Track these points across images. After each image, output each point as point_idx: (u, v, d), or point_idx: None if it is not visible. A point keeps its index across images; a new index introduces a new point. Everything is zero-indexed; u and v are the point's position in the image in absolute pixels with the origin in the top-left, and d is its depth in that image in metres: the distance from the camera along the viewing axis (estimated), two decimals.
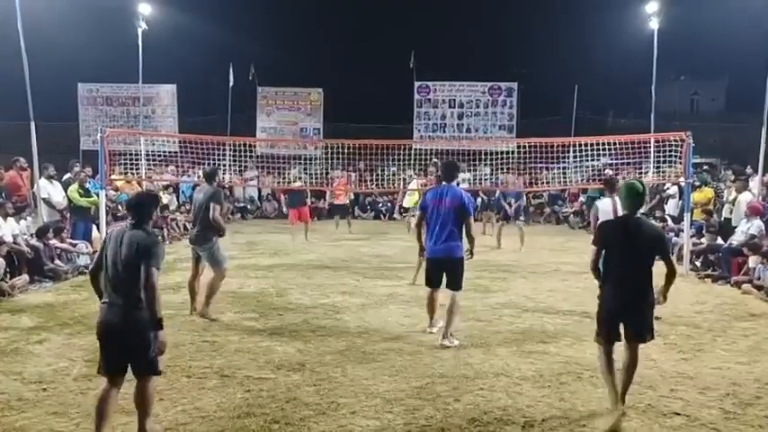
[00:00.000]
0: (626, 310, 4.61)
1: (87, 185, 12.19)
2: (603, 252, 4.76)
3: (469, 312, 7.71)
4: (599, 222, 6.37)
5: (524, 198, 14.93)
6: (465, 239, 6.58)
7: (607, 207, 7.56)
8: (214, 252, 7.52)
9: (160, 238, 4.42)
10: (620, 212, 7.64)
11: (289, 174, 18.21)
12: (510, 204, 13.70)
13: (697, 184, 14.05)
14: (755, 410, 4.83)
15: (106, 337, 4.11)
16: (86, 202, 11.81)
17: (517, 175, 14.97)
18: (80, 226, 11.64)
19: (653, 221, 13.94)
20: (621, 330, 4.65)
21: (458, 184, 6.98)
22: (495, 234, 13.76)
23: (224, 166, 17.57)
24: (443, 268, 6.58)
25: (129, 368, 4.15)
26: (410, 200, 16.06)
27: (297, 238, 14.45)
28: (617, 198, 7.88)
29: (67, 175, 12.71)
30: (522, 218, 13.95)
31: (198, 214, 7.62)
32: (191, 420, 4.53)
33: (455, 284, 6.55)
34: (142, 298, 4.01)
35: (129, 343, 4.07)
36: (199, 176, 16.35)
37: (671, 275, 4.70)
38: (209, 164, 15.44)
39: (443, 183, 6.75)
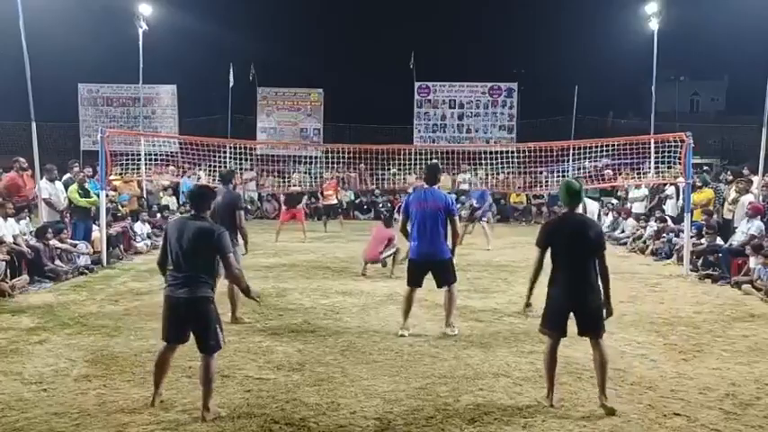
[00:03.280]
0: (576, 306, 4.76)
1: (87, 186, 12.18)
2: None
3: (469, 313, 7.72)
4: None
5: (489, 199, 15.42)
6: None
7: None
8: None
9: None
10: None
11: (289, 177, 18.24)
12: (472, 206, 14.38)
13: (699, 184, 14.04)
14: (755, 411, 4.83)
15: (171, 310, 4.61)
16: (86, 203, 11.81)
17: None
18: (80, 226, 11.63)
19: (652, 222, 14.03)
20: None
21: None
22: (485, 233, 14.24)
23: (224, 167, 17.59)
24: (429, 270, 6.73)
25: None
26: None
27: (280, 237, 14.72)
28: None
29: (67, 176, 12.71)
30: (484, 218, 14.47)
31: (218, 218, 7.13)
32: (191, 420, 4.53)
33: (448, 280, 6.75)
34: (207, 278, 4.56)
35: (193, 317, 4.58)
36: (199, 178, 16.37)
37: (606, 277, 4.75)
38: (208, 165, 15.56)
39: (425, 186, 6.86)
